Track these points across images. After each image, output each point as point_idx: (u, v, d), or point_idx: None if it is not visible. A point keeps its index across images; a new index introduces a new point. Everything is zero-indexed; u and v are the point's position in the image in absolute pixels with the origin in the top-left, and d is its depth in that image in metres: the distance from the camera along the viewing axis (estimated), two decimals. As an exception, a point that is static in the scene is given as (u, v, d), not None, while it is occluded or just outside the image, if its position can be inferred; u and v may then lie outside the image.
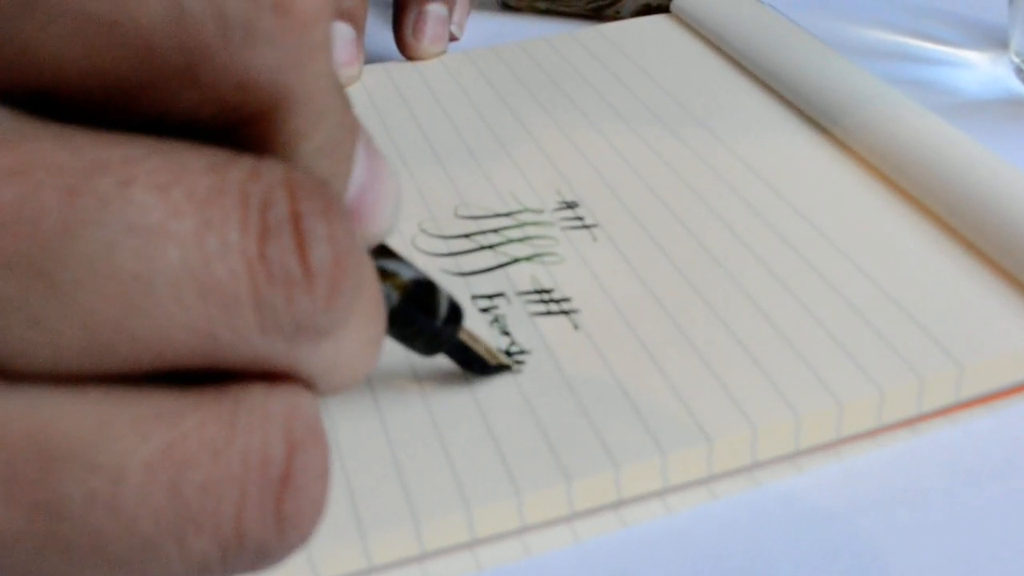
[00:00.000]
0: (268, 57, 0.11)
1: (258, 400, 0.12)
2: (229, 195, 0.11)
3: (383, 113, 0.33)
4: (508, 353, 0.23)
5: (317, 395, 0.13)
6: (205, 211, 0.11)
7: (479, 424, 0.21)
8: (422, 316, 0.19)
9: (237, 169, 0.11)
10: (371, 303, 0.13)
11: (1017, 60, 0.38)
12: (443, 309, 0.20)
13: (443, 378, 0.23)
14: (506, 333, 0.24)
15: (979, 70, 0.39)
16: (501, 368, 0.22)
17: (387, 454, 0.21)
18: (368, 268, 0.13)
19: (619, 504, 0.21)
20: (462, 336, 0.21)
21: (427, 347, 0.20)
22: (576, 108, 0.33)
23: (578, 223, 0.28)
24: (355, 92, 0.35)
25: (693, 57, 0.36)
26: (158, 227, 0.10)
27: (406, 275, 0.19)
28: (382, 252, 0.19)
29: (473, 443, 0.21)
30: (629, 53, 0.37)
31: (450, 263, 0.26)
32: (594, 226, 0.27)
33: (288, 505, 0.12)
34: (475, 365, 0.22)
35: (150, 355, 0.11)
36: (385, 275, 0.19)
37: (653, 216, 0.28)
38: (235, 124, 0.12)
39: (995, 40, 0.41)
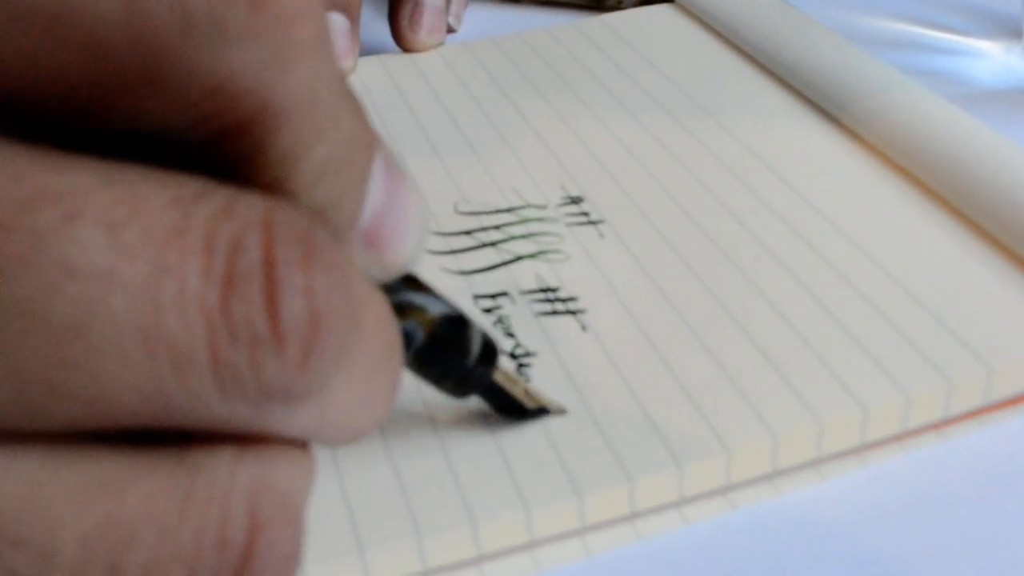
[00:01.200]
0: (243, 58, 0.09)
1: (222, 468, 0.10)
2: (192, 236, 0.09)
3: (379, 107, 0.32)
4: (524, 376, 0.22)
5: (307, 455, 0.11)
6: (162, 254, 0.09)
7: (485, 434, 0.20)
8: (451, 356, 0.18)
9: (207, 205, 0.10)
10: (377, 345, 0.11)
11: (1032, 48, 0.37)
12: (476, 348, 0.18)
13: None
14: (510, 334, 0.23)
15: (993, 59, 0.38)
16: (541, 412, 0.20)
17: (389, 468, 0.20)
18: (373, 303, 0.11)
19: (633, 516, 0.20)
20: (497, 377, 0.19)
21: (457, 389, 0.19)
22: (579, 100, 0.32)
23: (584, 219, 0.26)
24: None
25: (699, 47, 0.35)
26: (103, 271, 0.09)
27: (434, 310, 0.17)
28: (407, 283, 0.17)
29: (479, 454, 0.20)
30: (633, 43, 0.36)
31: (450, 261, 0.25)
32: (600, 222, 0.26)
33: None
34: (511, 409, 0.20)
35: (90, 416, 0.09)
36: (410, 310, 0.17)
37: (662, 211, 0.27)
38: (218, 139, 0.10)
39: (1009, 29, 0.40)
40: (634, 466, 0.19)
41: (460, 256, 0.25)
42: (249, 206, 0.10)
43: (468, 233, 0.26)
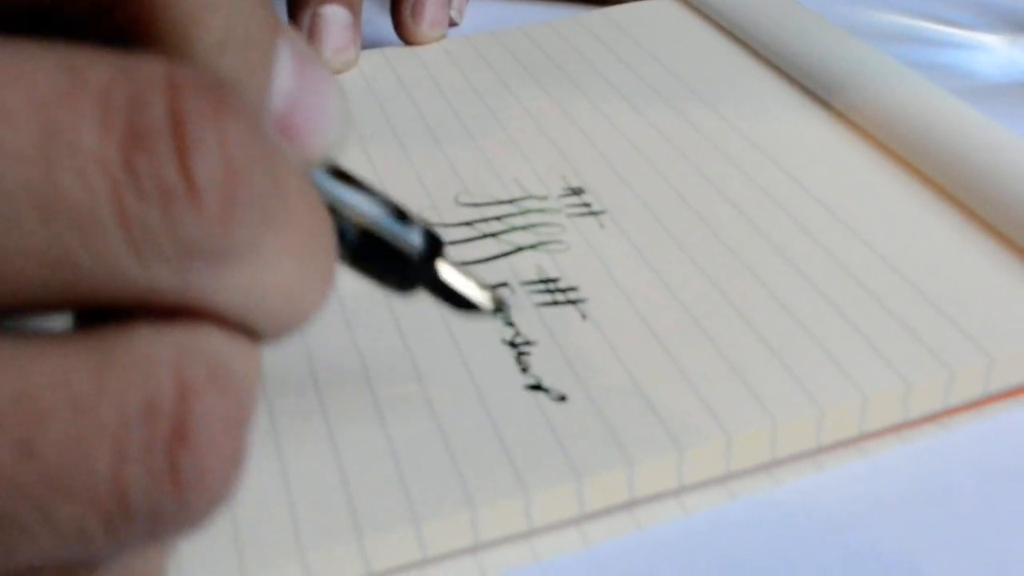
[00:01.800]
0: None
1: (141, 342, 0.10)
2: (86, 95, 0.09)
3: (382, 99, 0.32)
4: (511, 330, 0.22)
5: (249, 338, 0.11)
6: (51, 116, 0.09)
7: (484, 419, 0.20)
8: (389, 253, 0.17)
9: (101, 67, 0.09)
10: (305, 224, 0.11)
11: (1035, 42, 0.37)
12: (416, 243, 0.17)
13: (444, 371, 0.22)
14: (510, 324, 0.23)
15: (997, 53, 0.38)
16: (497, 310, 0.19)
17: (386, 452, 0.20)
18: (296, 182, 0.11)
19: (632, 504, 0.20)
20: (442, 271, 0.18)
21: (401, 285, 0.17)
22: (581, 92, 0.32)
23: (584, 210, 0.26)
24: (352, 78, 0.34)
25: (701, 40, 0.35)
26: None
27: (366, 205, 0.16)
28: (339, 177, 0.16)
29: (477, 439, 0.20)
30: (635, 36, 0.36)
31: (452, 252, 0.25)
32: (601, 212, 0.26)
33: (185, 461, 0.10)
34: (459, 303, 0.19)
35: None
36: (341, 206, 0.16)
37: (663, 201, 0.26)
38: (110, 7, 0.10)
39: (1013, 23, 0.40)
40: (634, 449, 0.19)
41: (461, 247, 0.25)
42: (148, 66, 0.09)
43: (469, 224, 0.26)
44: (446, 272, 0.18)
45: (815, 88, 0.31)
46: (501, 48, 0.35)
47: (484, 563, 0.19)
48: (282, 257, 0.11)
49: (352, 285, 0.19)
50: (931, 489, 0.21)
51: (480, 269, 0.24)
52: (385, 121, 0.31)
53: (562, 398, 0.21)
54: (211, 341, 0.10)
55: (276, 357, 0.22)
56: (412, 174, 0.28)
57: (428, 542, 0.18)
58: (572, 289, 0.24)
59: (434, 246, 0.18)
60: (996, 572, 0.19)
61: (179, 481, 0.10)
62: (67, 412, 0.09)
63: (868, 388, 0.20)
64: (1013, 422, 0.22)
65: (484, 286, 0.19)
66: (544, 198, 0.27)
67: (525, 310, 0.23)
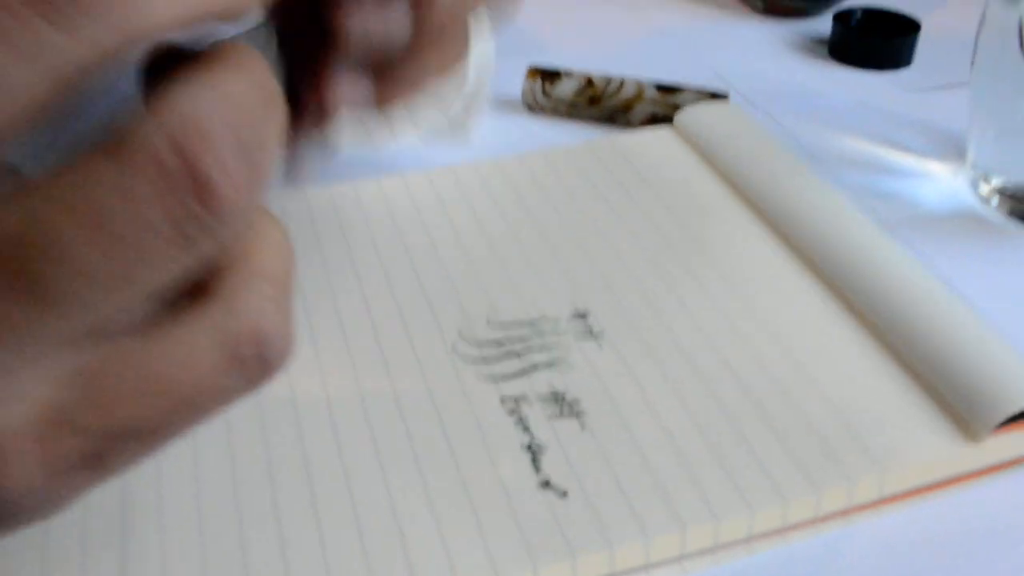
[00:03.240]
0: None
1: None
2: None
3: (428, 224, 0.40)
4: (530, 449, 0.30)
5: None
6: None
7: (506, 508, 0.28)
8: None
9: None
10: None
11: (973, 173, 0.44)
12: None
13: (478, 467, 0.29)
14: (527, 431, 0.30)
15: (941, 182, 0.45)
16: None
17: (434, 529, 0.27)
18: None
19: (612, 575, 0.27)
20: None
21: None
22: (589, 219, 0.40)
23: (587, 332, 0.34)
24: (394, 200, 0.41)
25: (689, 171, 0.43)
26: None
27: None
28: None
29: (500, 524, 0.27)
30: (636, 165, 0.43)
31: (484, 369, 0.33)
32: (600, 334, 0.34)
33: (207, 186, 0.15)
34: None
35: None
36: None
37: (648, 326, 0.34)
38: None
39: (957, 149, 0.47)
40: (613, 536, 0.27)
41: (492, 364, 0.33)
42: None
43: (498, 344, 0.34)
44: None
45: (781, 227, 0.39)
46: (525, 173, 0.43)
47: (504, 616, 0.26)
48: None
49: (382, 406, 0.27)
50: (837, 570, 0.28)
51: (505, 384, 0.32)
52: (430, 244, 0.39)
53: (564, 494, 0.28)
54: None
55: (303, 449, 0.29)
56: (455, 297, 0.36)
57: (465, 601, 0.26)
58: (575, 402, 0.31)
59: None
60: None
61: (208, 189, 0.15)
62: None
63: (787, 491, 0.28)
64: (902, 520, 0.29)
65: None
66: (556, 321, 0.35)
67: (539, 421, 0.31)
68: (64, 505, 0.18)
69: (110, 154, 0.15)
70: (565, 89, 0.49)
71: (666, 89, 0.48)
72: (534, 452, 0.30)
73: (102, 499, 0.28)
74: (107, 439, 0.17)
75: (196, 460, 0.29)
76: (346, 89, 0.29)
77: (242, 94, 0.16)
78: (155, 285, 0.16)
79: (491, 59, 0.42)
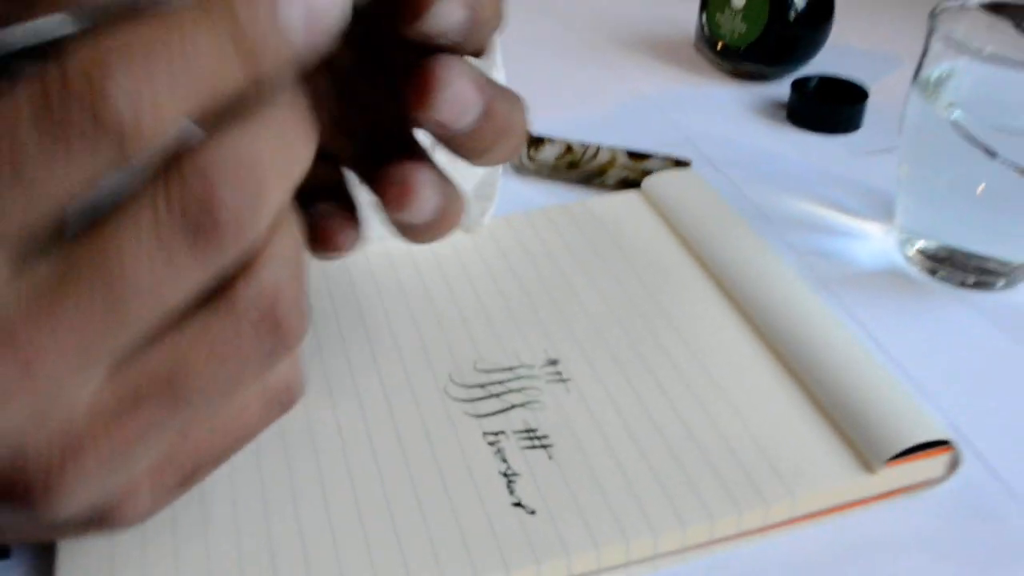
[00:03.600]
0: None
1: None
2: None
3: (425, 281, 0.46)
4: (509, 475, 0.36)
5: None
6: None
7: (485, 522, 0.34)
8: None
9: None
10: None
11: (900, 235, 0.51)
12: None
13: (462, 489, 0.36)
14: (504, 460, 0.37)
15: (873, 242, 0.52)
16: None
17: (426, 540, 0.34)
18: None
19: (569, 579, 0.34)
20: None
21: None
22: (563, 275, 0.46)
23: (557, 377, 0.41)
24: (402, 260, 0.48)
25: (652, 233, 0.49)
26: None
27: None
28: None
29: (480, 535, 0.34)
30: (607, 227, 0.50)
31: (470, 407, 0.39)
32: (568, 380, 0.40)
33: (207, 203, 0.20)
34: None
35: None
36: None
37: (608, 373, 0.41)
38: None
39: (891, 212, 0.53)
40: (572, 545, 0.33)
41: (477, 403, 0.39)
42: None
43: (481, 386, 0.40)
44: None
45: (728, 288, 0.45)
46: (510, 233, 0.49)
47: (482, 611, 0.33)
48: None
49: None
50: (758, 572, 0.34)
51: (487, 420, 0.38)
52: (426, 298, 0.45)
53: (532, 512, 0.35)
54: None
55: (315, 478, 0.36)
56: (445, 344, 0.42)
57: (450, 598, 0.33)
58: (544, 436, 0.38)
59: None
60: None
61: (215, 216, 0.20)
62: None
63: (715, 510, 0.34)
64: (811, 534, 0.36)
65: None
66: (531, 367, 0.41)
67: (514, 452, 0.37)
68: (159, 511, 0.25)
69: (223, 318, 0.22)
70: (548, 154, 0.56)
71: (636, 156, 0.55)
72: (509, 478, 0.36)
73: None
74: (197, 468, 0.24)
75: (232, 480, 0.36)
76: (429, 180, 0.31)
77: (295, 258, 0.23)
78: (249, 383, 0.24)
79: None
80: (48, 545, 0.34)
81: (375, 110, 0.32)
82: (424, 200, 0.30)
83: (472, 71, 0.29)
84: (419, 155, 0.31)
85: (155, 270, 0.20)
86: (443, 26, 0.27)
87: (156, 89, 0.19)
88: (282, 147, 0.21)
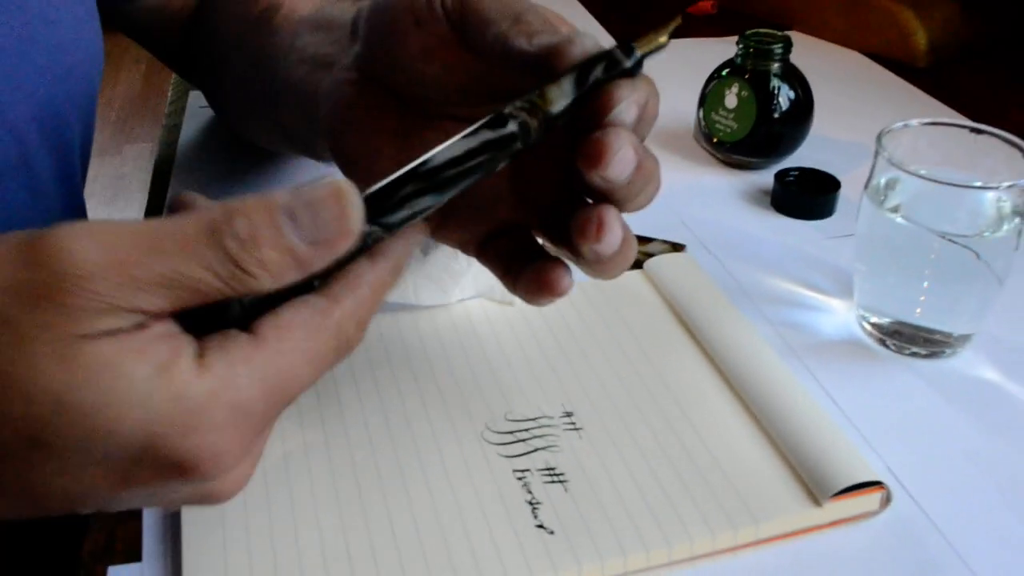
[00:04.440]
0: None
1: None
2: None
3: (464, 345, 0.57)
4: (531, 505, 0.46)
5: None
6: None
7: (513, 540, 0.44)
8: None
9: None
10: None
11: (857, 310, 0.61)
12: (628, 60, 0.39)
13: (493, 512, 0.45)
14: (529, 491, 0.47)
15: (837, 315, 0.62)
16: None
17: (445, 556, 0.44)
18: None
19: (580, 584, 0.43)
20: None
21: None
22: (578, 346, 0.56)
23: (572, 426, 0.51)
24: (444, 325, 0.58)
25: (651, 308, 0.60)
26: None
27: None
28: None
29: (510, 550, 0.44)
30: (614, 303, 0.60)
31: (502, 449, 0.49)
32: (580, 429, 0.50)
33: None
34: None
35: None
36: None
37: (613, 423, 0.51)
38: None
39: (851, 289, 0.63)
40: (582, 556, 0.43)
41: (508, 447, 0.49)
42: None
43: (511, 432, 0.50)
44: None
45: (708, 350, 0.55)
46: (534, 308, 0.60)
47: (513, 607, 0.43)
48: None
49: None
50: (724, 584, 0.44)
51: (516, 460, 0.48)
52: (467, 364, 0.55)
53: (552, 532, 0.45)
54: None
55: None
56: (482, 399, 0.52)
57: (489, 596, 0.42)
58: (561, 474, 0.48)
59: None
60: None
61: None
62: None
63: (693, 531, 0.44)
64: (770, 554, 0.45)
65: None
66: (551, 418, 0.51)
67: (538, 485, 0.47)
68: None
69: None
70: (565, 237, 0.66)
71: (640, 239, 0.65)
72: (533, 505, 0.46)
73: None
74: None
75: (315, 498, 0.46)
76: (615, 215, 0.40)
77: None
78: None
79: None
80: (175, 549, 0.44)
81: (548, 183, 0.44)
82: (614, 232, 0.39)
83: (631, 137, 0.38)
84: (597, 203, 0.40)
85: (314, 374, 0.33)
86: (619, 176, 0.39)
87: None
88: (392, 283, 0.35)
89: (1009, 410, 0.54)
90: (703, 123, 0.80)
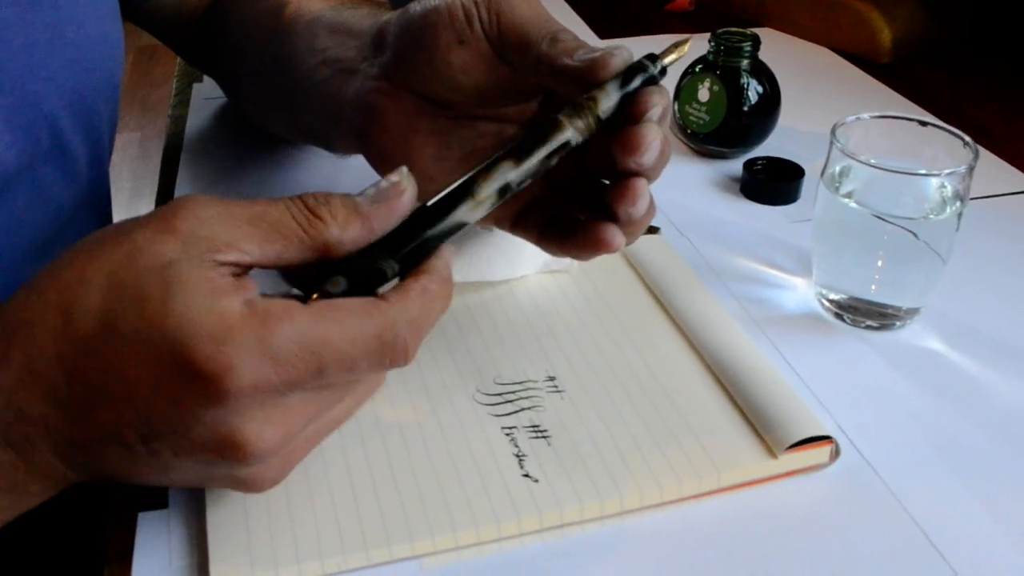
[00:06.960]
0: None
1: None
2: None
3: (459, 319, 0.62)
4: (519, 459, 0.51)
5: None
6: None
7: (503, 488, 0.49)
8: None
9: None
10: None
11: (816, 287, 0.66)
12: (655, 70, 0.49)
13: (484, 462, 0.51)
14: (516, 446, 0.52)
15: (798, 292, 0.67)
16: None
17: (415, 487, 0.49)
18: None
19: (563, 525, 0.49)
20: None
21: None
22: (561, 318, 0.62)
23: (554, 389, 0.56)
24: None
25: (628, 285, 0.65)
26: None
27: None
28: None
29: (499, 495, 0.49)
30: (595, 281, 0.65)
31: (492, 409, 0.54)
32: (563, 391, 0.56)
33: None
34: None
35: None
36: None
37: (592, 386, 0.56)
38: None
39: (810, 268, 0.69)
40: (562, 500, 0.49)
41: (496, 407, 0.55)
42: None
43: (500, 395, 0.56)
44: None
45: (679, 320, 0.61)
46: (522, 284, 0.65)
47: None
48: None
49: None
50: (686, 531, 0.49)
51: (505, 419, 0.54)
52: (462, 340, 0.61)
53: (536, 480, 0.50)
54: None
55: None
56: (474, 365, 0.58)
57: (460, 536, 0.48)
58: (545, 430, 0.53)
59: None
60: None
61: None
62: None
63: (662, 480, 0.50)
64: (734, 501, 0.51)
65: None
66: (536, 381, 0.57)
67: (524, 440, 0.52)
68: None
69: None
70: (548, 220, 0.71)
71: (617, 222, 0.71)
72: (520, 458, 0.51)
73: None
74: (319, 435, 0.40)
75: (322, 456, 0.51)
76: (645, 185, 0.49)
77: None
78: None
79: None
80: (199, 495, 0.49)
81: (569, 165, 0.50)
82: (645, 198, 0.48)
83: (658, 129, 0.47)
84: (630, 176, 0.49)
85: (354, 355, 0.39)
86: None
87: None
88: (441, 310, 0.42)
89: (951, 376, 0.60)
90: (677, 115, 0.85)
